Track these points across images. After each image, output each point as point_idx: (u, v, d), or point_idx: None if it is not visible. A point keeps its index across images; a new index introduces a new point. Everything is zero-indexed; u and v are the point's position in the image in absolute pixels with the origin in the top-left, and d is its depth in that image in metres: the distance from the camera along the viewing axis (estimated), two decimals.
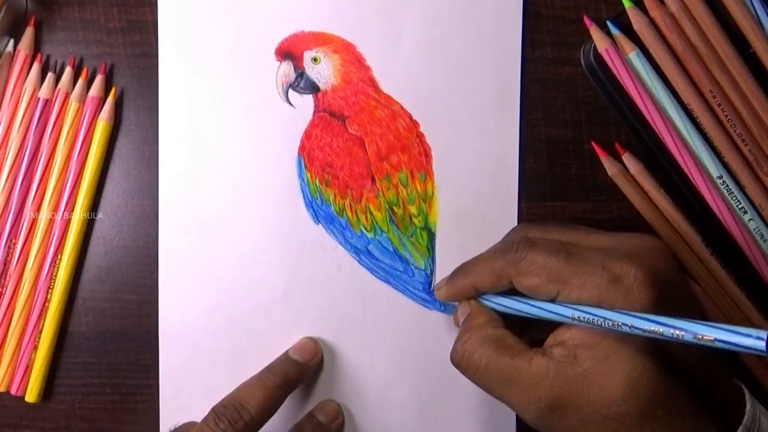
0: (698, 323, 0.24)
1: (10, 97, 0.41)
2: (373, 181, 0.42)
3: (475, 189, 0.42)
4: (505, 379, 0.30)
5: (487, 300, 0.35)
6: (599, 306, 0.29)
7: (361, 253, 0.42)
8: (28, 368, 0.41)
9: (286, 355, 0.40)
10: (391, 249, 0.42)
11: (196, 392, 0.42)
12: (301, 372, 0.40)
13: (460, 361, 0.32)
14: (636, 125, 0.41)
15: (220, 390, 0.40)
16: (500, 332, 0.32)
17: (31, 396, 0.41)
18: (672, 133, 0.40)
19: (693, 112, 0.40)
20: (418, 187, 0.42)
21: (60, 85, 0.41)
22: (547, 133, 0.42)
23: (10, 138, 0.41)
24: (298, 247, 0.42)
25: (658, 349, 0.28)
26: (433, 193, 0.42)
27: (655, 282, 0.28)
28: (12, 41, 0.41)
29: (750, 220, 0.41)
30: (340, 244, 0.42)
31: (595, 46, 0.40)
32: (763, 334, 0.21)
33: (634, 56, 0.40)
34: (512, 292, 0.34)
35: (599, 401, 0.28)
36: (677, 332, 0.24)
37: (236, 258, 0.42)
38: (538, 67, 0.42)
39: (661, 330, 0.25)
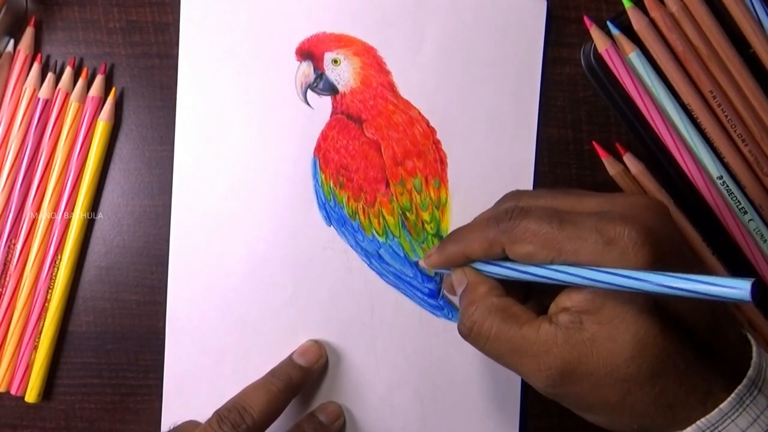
0: (679, 277, 0.24)
1: (10, 97, 0.41)
2: (387, 185, 0.42)
3: (489, 198, 0.41)
4: (514, 348, 0.30)
5: (479, 267, 0.34)
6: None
7: (372, 257, 0.42)
8: (28, 368, 0.41)
9: (290, 359, 0.40)
10: (402, 254, 0.42)
11: (200, 389, 0.42)
12: (305, 376, 0.40)
13: (469, 333, 0.32)
14: (636, 125, 0.41)
15: (224, 387, 0.41)
16: (505, 301, 0.32)
17: (31, 396, 0.41)
18: (672, 133, 0.40)
19: (693, 112, 0.40)
20: (432, 194, 0.42)
21: (60, 85, 0.41)
22: (547, 133, 0.42)
23: (10, 138, 0.41)
24: (309, 247, 0.42)
25: (660, 306, 0.28)
26: (446, 200, 0.42)
27: (650, 240, 0.28)
28: (12, 41, 0.41)
29: (750, 220, 0.41)
30: (351, 246, 0.42)
31: (595, 46, 0.40)
32: (746, 284, 0.21)
33: (635, 56, 0.40)
34: (503, 260, 0.33)
35: (609, 365, 0.28)
36: (659, 287, 0.25)
37: (246, 256, 0.42)
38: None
39: (642, 286, 0.25)
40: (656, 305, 0.28)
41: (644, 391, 0.28)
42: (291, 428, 0.40)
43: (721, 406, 0.28)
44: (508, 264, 0.32)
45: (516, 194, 0.35)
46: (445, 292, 0.41)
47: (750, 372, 0.28)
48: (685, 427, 0.29)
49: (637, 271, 0.26)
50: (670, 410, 0.29)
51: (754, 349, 0.30)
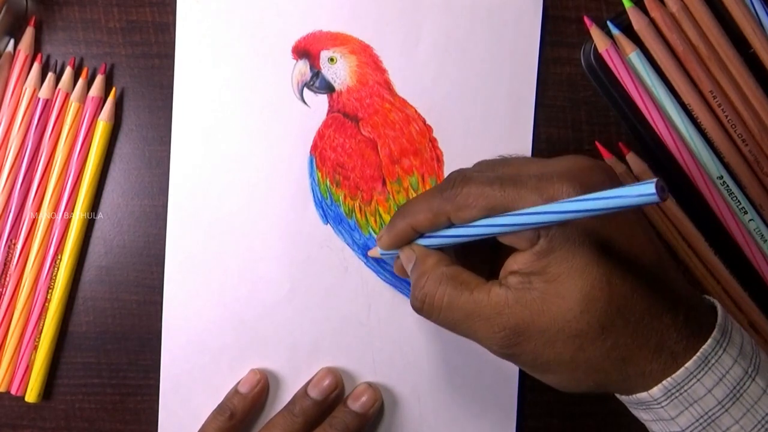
0: (591, 197, 0.25)
1: (10, 97, 0.41)
2: (383, 183, 0.42)
3: None
4: (467, 314, 0.31)
5: (431, 238, 0.34)
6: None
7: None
8: (28, 368, 0.41)
9: (304, 392, 0.41)
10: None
11: (197, 388, 0.42)
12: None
13: (422, 306, 0.32)
14: (636, 125, 0.41)
15: (221, 386, 0.41)
16: (454, 269, 0.32)
17: (31, 396, 0.41)
18: (672, 133, 0.40)
19: (693, 112, 0.40)
20: None
21: (60, 85, 0.41)
22: (547, 133, 0.42)
23: (10, 138, 0.41)
24: (306, 246, 0.42)
25: (605, 259, 0.29)
26: None
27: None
28: (12, 41, 0.41)
29: (750, 220, 0.41)
30: (348, 245, 0.42)
31: (595, 46, 0.40)
32: (651, 185, 0.22)
33: (635, 56, 0.40)
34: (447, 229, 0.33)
35: (560, 320, 0.29)
36: (579, 205, 0.25)
37: (243, 255, 0.42)
38: (538, 67, 0.42)
39: (560, 209, 0.26)
40: (601, 257, 0.29)
41: (596, 345, 0.29)
42: (323, 423, 0.40)
43: (687, 365, 0.28)
44: (450, 231, 0.32)
45: (460, 169, 0.35)
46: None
47: (715, 332, 0.29)
48: (647, 383, 0.29)
49: (556, 203, 0.27)
50: (623, 364, 0.29)
51: (720, 311, 0.30)
